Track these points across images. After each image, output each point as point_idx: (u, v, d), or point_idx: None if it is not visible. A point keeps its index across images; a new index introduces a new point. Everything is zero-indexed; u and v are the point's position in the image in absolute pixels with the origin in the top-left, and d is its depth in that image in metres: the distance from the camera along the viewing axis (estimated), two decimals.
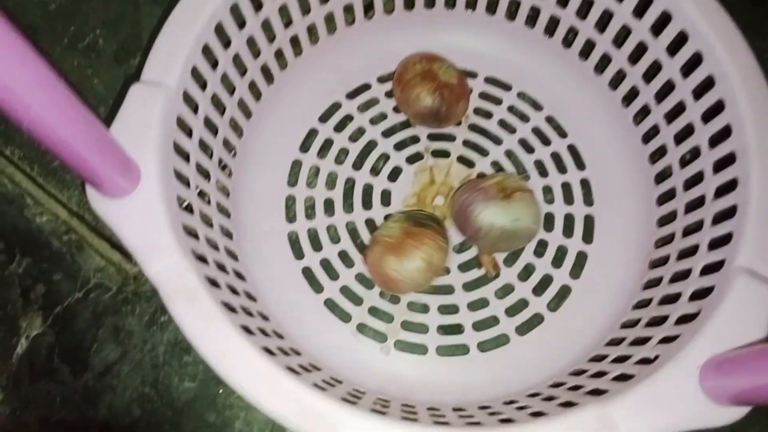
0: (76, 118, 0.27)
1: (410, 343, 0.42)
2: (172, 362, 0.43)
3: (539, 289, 0.43)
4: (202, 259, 0.35)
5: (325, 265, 0.44)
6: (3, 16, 0.21)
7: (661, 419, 0.30)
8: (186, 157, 0.37)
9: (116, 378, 0.43)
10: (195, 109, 0.38)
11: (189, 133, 0.38)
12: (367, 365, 0.41)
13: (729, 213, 0.35)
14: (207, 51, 0.38)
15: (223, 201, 0.42)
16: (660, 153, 0.43)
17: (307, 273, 0.43)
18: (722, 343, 0.30)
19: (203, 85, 0.38)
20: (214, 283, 0.34)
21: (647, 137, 0.44)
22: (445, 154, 0.46)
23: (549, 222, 0.44)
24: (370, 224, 0.45)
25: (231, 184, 0.43)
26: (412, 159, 0.46)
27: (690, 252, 0.38)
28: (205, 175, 0.40)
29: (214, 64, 0.39)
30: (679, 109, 0.40)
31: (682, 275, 0.37)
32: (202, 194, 0.39)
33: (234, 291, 0.37)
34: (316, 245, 0.44)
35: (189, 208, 0.37)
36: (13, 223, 0.47)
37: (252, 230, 0.44)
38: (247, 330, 0.33)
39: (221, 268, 0.37)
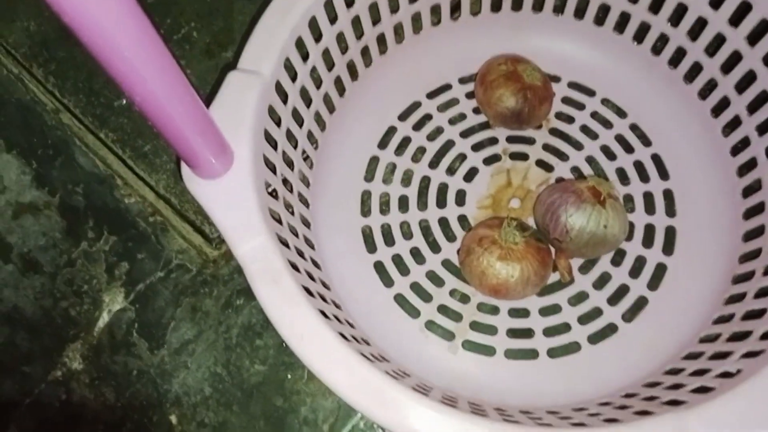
0: (184, 97, 0.28)
1: (478, 343, 0.42)
2: (244, 345, 0.45)
3: (614, 299, 0.42)
4: (284, 243, 0.36)
5: (397, 260, 0.44)
6: None
7: None
8: (274, 145, 0.39)
9: (190, 356, 0.45)
10: (285, 99, 0.39)
11: (278, 122, 0.39)
12: (434, 362, 0.41)
13: None
14: (300, 44, 0.39)
15: (303, 191, 0.43)
16: (749, 166, 0.41)
17: (379, 267, 0.44)
18: None
19: (294, 77, 0.40)
20: (294, 267, 0.35)
21: (736, 150, 0.42)
22: (523, 157, 0.46)
23: (629, 231, 0.43)
24: (443, 222, 0.45)
25: (312, 176, 0.45)
26: (489, 160, 0.46)
27: None
28: (290, 164, 0.41)
29: (305, 57, 0.40)
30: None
31: None
32: (285, 182, 0.40)
33: (311, 278, 0.38)
34: (389, 240, 0.45)
35: (274, 195, 0.38)
36: (103, 203, 0.49)
37: (328, 222, 0.45)
38: (323, 315, 0.34)
39: (300, 254, 0.38)
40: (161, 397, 0.45)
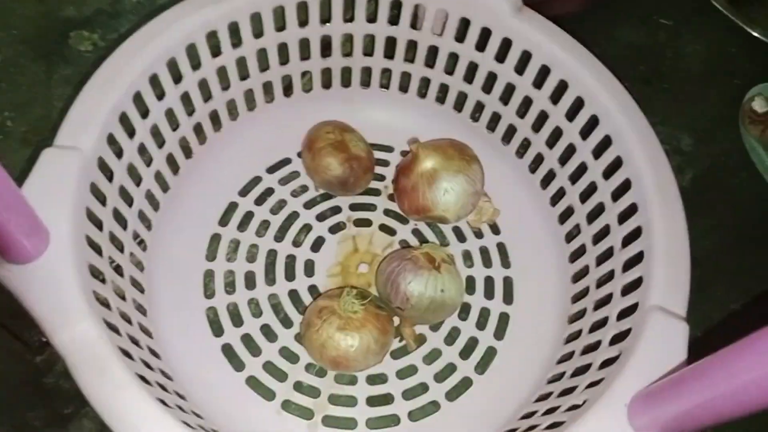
0: None
1: (339, 417, 0.40)
2: None
3: (466, 353, 0.43)
4: (114, 330, 0.33)
5: (246, 341, 0.42)
6: None
7: None
8: (99, 225, 0.36)
9: None
10: (110, 177, 0.37)
11: (103, 201, 0.37)
12: None
13: (637, 259, 0.37)
14: (124, 120, 0.38)
15: (137, 275, 0.40)
16: (568, 213, 0.45)
17: (227, 350, 0.41)
18: (645, 378, 0.31)
19: (119, 154, 0.38)
20: (127, 355, 0.32)
21: (555, 199, 0.46)
22: (367, 223, 0.47)
23: (470, 285, 0.45)
24: (293, 296, 0.44)
25: (146, 259, 0.42)
26: (335, 229, 0.46)
27: (605, 301, 0.39)
28: (119, 246, 0.38)
29: (131, 133, 0.39)
30: (581, 169, 0.43)
31: (600, 324, 0.38)
32: (115, 265, 0.37)
33: (148, 366, 0.35)
34: (237, 321, 0.42)
35: (100, 278, 0.35)
36: None
37: (167, 307, 0.42)
38: (164, 404, 0.31)
39: (135, 342, 0.35)
40: None
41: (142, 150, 0.40)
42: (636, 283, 0.37)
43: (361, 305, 0.39)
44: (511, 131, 0.48)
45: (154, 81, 0.39)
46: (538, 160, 0.47)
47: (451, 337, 0.43)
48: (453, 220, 0.45)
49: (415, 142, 0.44)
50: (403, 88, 0.50)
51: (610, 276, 0.40)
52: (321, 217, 0.47)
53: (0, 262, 0.30)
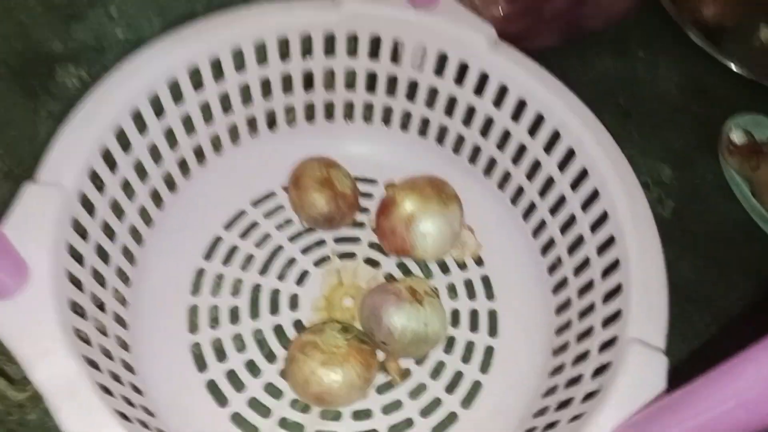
0: None
1: None
2: None
3: (451, 387, 0.42)
4: (95, 366, 0.33)
5: (231, 376, 0.42)
6: None
7: None
8: (80, 260, 0.36)
9: None
10: (92, 212, 0.37)
11: (84, 235, 0.37)
12: None
13: (616, 291, 0.38)
14: (107, 156, 0.38)
15: (120, 310, 0.40)
16: (549, 245, 0.46)
17: (211, 386, 0.41)
18: (625, 411, 0.31)
19: (101, 188, 0.38)
20: (108, 392, 0.32)
21: (536, 231, 0.47)
22: (351, 256, 0.47)
23: (455, 318, 0.45)
24: (278, 330, 0.43)
25: (129, 294, 0.42)
26: (319, 262, 0.46)
27: (587, 333, 0.39)
28: (101, 281, 0.38)
29: (114, 167, 0.39)
30: (560, 200, 0.44)
31: (583, 356, 0.38)
32: (96, 300, 0.37)
33: (130, 403, 0.34)
34: (221, 356, 0.42)
35: (80, 314, 0.35)
36: None
37: (151, 342, 0.41)
38: None
39: (116, 379, 0.35)
40: None
41: (125, 185, 0.40)
42: (615, 316, 0.37)
43: (344, 339, 0.39)
44: (491, 163, 0.49)
45: (137, 116, 0.39)
46: (519, 191, 0.48)
47: (437, 371, 0.43)
48: (433, 260, 0.46)
49: (391, 185, 0.45)
50: (386, 121, 0.51)
51: (590, 308, 0.40)
52: (305, 251, 0.47)
53: None
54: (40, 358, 0.30)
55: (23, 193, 0.33)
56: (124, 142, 0.39)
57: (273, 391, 0.41)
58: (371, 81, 0.48)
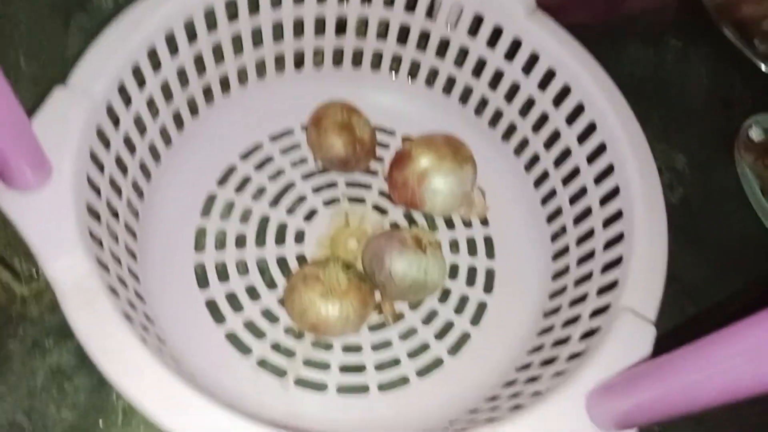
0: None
1: (311, 380, 0.41)
2: (50, 389, 0.40)
3: (441, 334, 0.44)
4: (104, 267, 0.34)
5: (230, 298, 0.43)
6: None
7: None
8: (101, 167, 0.37)
9: None
10: (116, 123, 0.38)
11: (107, 145, 0.38)
12: (266, 401, 0.40)
13: (615, 263, 0.39)
14: (137, 72, 0.39)
15: (131, 222, 0.41)
16: (556, 213, 0.46)
17: (211, 305, 0.43)
18: (607, 372, 0.32)
19: (127, 102, 0.39)
20: (114, 292, 0.33)
21: (545, 199, 0.48)
22: (360, 200, 0.48)
23: (454, 272, 0.46)
24: (281, 262, 0.45)
25: (142, 208, 0.43)
26: (329, 203, 0.48)
27: (580, 299, 0.40)
28: (118, 191, 0.39)
29: (142, 84, 0.40)
30: (574, 172, 0.45)
31: (573, 320, 0.40)
32: (111, 207, 0.38)
33: (133, 307, 0.36)
34: (223, 277, 0.43)
35: (97, 217, 0.36)
36: None
37: (157, 256, 0.43)
38: (144, 343, 0.32)
39: (122, 282, 0.36)
40: None
41: (150, 103, 0.41)
42: (611, 285, 0.38)
43: (345, 276, 0.40)
44: (511, 129, 0.49)
45: (170, 38, 0.40)
46: (534, 159, 0.48)
47: (429, 318, 0.44)
48: (439, 216, 0.47)
49: (408, 139, 0.45)
50: (412, 75, 0.51)
51: (588, 276, 0.41)
52: (317, 190, 0.48)
53: (1, 188, 0.32)
54: (55, 253, 0.31)
55: (53, 95, 0.34)
56: (155, 62, 0.40)
57: (270, 316, 0.43)
58: (403, 33, 0.48)
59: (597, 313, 0.38)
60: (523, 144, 0.49)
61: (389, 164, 0.48)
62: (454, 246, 0.47)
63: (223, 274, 0.44)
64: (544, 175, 0.47)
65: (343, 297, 0.40)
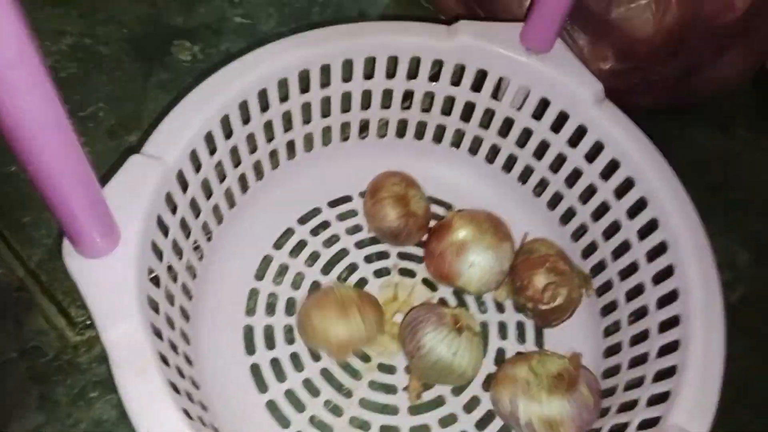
0: (78, 168, 0.28)
1: None
2: None
3: (481, 425, 0.43)
4: (158, 334, 0.35)
5: (275, 365, 0.43)
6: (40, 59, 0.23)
7: None
8: (165, 232, 0.38)
9: None
10: (185, 188, 0.40)
11: (173, 210, 0.39)
12: None
13: (669, 372, 0.37)
14: (209, 138, 0.40)
15: (188, 282, 0.42)
16: (610, 307, 0.45)
17: (255, 370, 0.43)
18: None
19: (198, 168, 0.40)
20: (164, 360, 0.34)
21: (600, 291, 0.46)
22: (411, 273, 0.48)
23: (501, 358, 0.45)
24: None
25: (200, 268, 0.44)
26: (379, 273, 0.48)
27: (629, 406, 0.39)
28: (179, 253, 0.41)
29: (213, 151, 0.41)
30: (631, 269, 0.44)
31: (620, 429, 0.38)
32: (170, 270, 0.39)
33: (181, 374, 0.36)
34: (270, 343, 0.44)
35: (155, 282, 0.37)
36: None
37: (209, 317, 0.44)
38: (187, 415, 0.32)
39: (173, 347, 0.37)
40: None
41: (219, 167, 0.43)
42: (663, 397, 0.36)
43: (355, 291, 0.43)
44: (569, 214, 0.48)
45: (243, 106, 0.42)
46: (591, 248, 0.47)
47: (471, 407, 0.43)
48: (473, 293, 0.46)
49: (451, 211, 0.45)
50: (473, 151, 0.51)
51: (639, 382, 0.39)
52: (368, 259, 0.48)
53: (71, 252, 0.33)
54: (113, 321, 0.32)
55: (128, 162, 0.36)
56: (227, 130, 0.41)
57: (310, 387, 0.43)
58: (468, 110, 0.49)
59: (645, 426, 0.36)
60: (581, 230, 0.48)
61: (428, 234, 0.48)
62: (502, 330, 0.47)
63: (269, 339, 0.44)
64: (600, 266, 0.46)
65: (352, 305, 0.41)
